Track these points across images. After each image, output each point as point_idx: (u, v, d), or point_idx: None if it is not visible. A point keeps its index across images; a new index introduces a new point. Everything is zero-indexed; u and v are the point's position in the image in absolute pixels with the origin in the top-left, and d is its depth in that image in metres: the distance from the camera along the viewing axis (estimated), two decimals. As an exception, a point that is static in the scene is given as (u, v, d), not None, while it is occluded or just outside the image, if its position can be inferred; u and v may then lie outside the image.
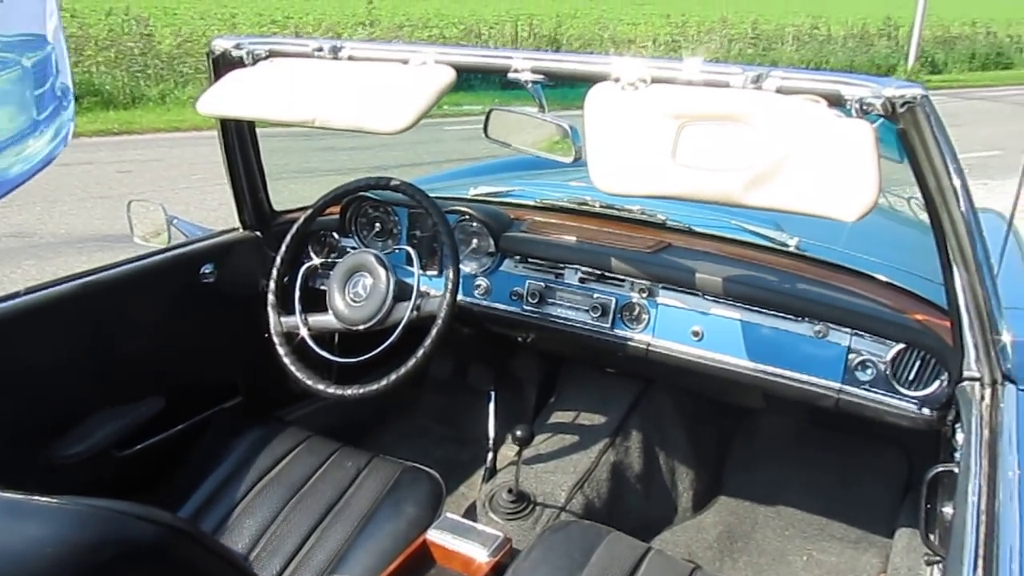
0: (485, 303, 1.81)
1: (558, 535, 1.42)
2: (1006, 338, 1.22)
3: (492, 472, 1.90)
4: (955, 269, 1.16)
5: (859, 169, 1.04)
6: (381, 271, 1.70)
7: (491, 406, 1.96)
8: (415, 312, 1.64)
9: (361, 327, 1.68)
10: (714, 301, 1.57)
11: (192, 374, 1.81)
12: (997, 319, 1.18)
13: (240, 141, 1.75)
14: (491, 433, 1.93)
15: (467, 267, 1.82)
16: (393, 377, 1.60)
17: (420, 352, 1.59)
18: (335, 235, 1.96)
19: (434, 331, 1.58)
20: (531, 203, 1.95)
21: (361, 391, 1.61)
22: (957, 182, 1.07)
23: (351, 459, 1.68)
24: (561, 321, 1.73)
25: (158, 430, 1.73)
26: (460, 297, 1.82)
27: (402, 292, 1.69)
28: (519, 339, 1.89)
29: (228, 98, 1.40)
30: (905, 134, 1.07)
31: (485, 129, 1.59)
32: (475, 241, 1.81)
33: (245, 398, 1.92)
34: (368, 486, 1.62)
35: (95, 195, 5.52)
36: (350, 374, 1.68)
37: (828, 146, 1.06)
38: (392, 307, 1.67)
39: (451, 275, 1.61)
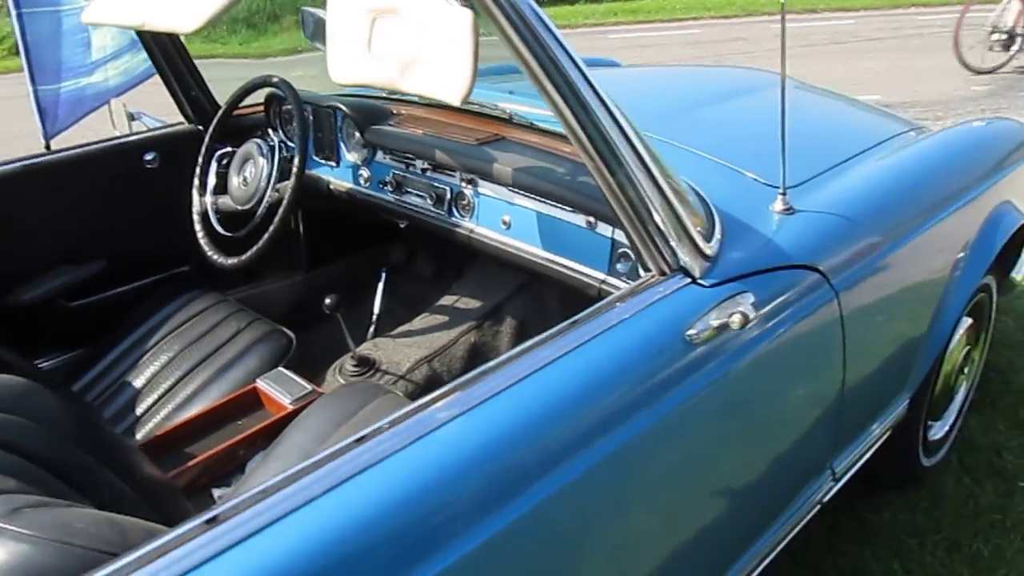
0: (366, 191, 2.00)
1: (343, 391, 1.62)
2: (693, 230, 1.22)
3: (355, 342, 2.04)
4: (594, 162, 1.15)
5: (459, 55, 1.11)
6: (260, 159, 1.94)
7: (380, 286, 2.16)
8: (276, 193, 1.89)
9: (245, 206, 1.95)
10: (517, 192, 1.64)
11: (138, 245, 2.17)
12: (654, 212, 1.17)
13: (159, 44, 2.04)
14: (375, 310, 2.14)
15: (352, 157, 2.00)
16: (253, 249, 1.86)
17: (271, 228, 1.83)
18: (269, 130, 2.22)
19: (280, 210, 1.82)
20: (408, 98, 2.06)
21: (229, 261, 1.90)
22: (557, 52, 1.07)
23: (237, 320, 1.97)
24: (413, 208, 1.88)
25: (106, 288, 2.13)
26: (350, 185, 2.03)
27: (284, 176, 1.93)
28: (400, 225, 2.07)
29: (101, 9, 1.67)
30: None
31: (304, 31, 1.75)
32: (357, 135, 1.99)
33: (192, 269, 2.27)
34: (237, 342, 1.91)
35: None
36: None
37: (442, 34, 1.13)
38: (267, 189, 1.91)
39: (297, 162, 1.82)
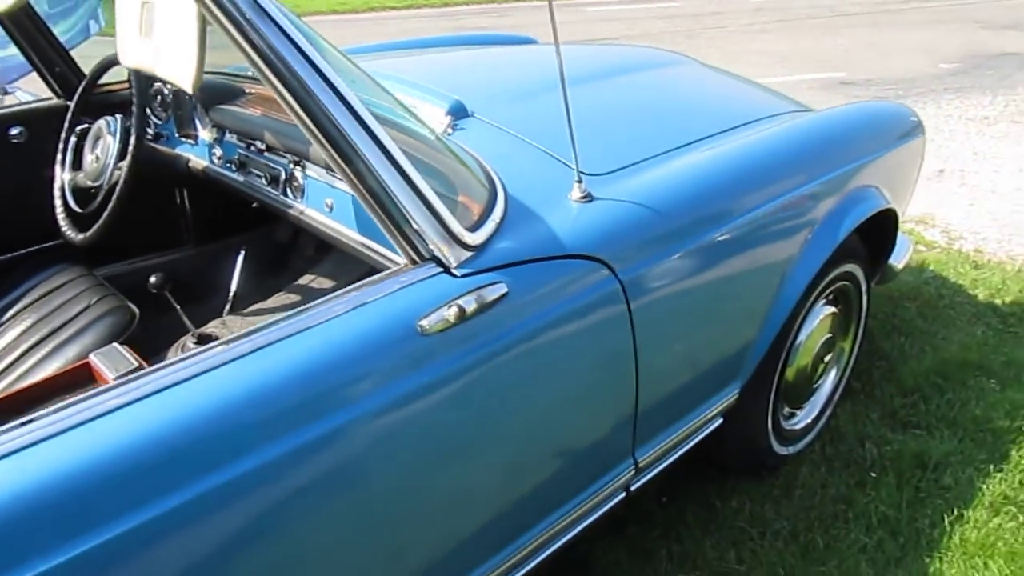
0: (218, 169, 1.99)
1: None
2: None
3: (203, 320, 2.01)
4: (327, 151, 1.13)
5: (186, 43, 1.10)
6: (108, 136, 1.93)
7: (238, 264, 2.15)
8: (117, 171, 1.88)
9: (95, 183, 1.95)
10: (335, 176, 1.63)
11: (5, 219, 2.17)
12: (398, 202, 1.16)
13: (17, 23, 2.02)
14: (232, 289, 2.14)
15: (205, 135, 1.99)
16: (95, 226, 1.86)
17: (109, 205, 1.83)
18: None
19: (117, 188, 1.82)
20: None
21: (78, 237, 1.90)
22: (275, 42, 1.05)
23: (89, 295, 1.98)
24: (256, 189, 1.87)
25: None
26: (205, 163, 2.02)
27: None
28: (252, 205, 2.06)
29: None
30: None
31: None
32: (209, 113, 1.97)
33: (64, 243, 2.27)
34: (82, 317, 1.92)
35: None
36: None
37: (176, 22, 1.12)
38: (112, 167, 1.91)
39: (133, 141, 1.81)
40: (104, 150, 1.94)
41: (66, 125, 2.04)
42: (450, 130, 1.68)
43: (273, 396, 1.02)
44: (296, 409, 1.03)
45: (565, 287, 1.31)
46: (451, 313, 1.12)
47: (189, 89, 1.14)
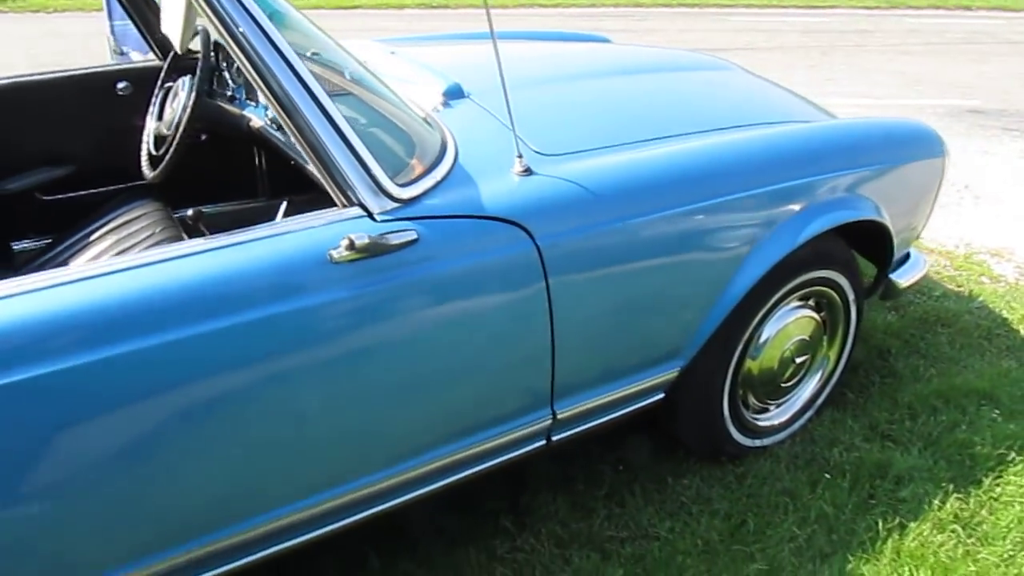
0: (269, 130, 2.32)
1: None
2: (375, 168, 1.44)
3: None
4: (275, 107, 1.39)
5: (176, 10, 1.39)
6: (181, 93, 2.30)
7: (279, 212, 2.47)
8: (182, 122, 2.25)
9: (168, 130, 2.32)
10: None
11: (106, 156, 2.61)
12: (333, 157, 1.40)
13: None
14: None
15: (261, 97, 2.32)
16: (159, 168, 2.24)
17: (169, 152, 2.19)
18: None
19: (176, 137, 2.17)
20: None
21: (149, 175, 2.29)
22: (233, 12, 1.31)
23: (154, 226, 2.37)
24: (291, 147, 2.18)
25: (76, 189, 2.59)
26: (261, 124, 2.36)
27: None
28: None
29: None
30: None
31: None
32: None
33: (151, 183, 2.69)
34: (145, 241, 2.30)
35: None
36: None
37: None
38: (181, 120, 2.28)
39: (194, 97, 2.16)
40: (177, 104, 2.32)
41: (158, 82, 2.44)
42: (440, 107, 1.91)
43: (212, 286, 1.29)
44: (220, 299, 1.30)
45: (479, 243, 1.52)
46: (344, 243, 1.35)
47: (178, 49, 1.43)
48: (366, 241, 1.38)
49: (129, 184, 2.68)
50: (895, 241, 2.23)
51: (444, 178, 1.57)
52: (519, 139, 1.73)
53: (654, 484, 2.11)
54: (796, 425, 2.29)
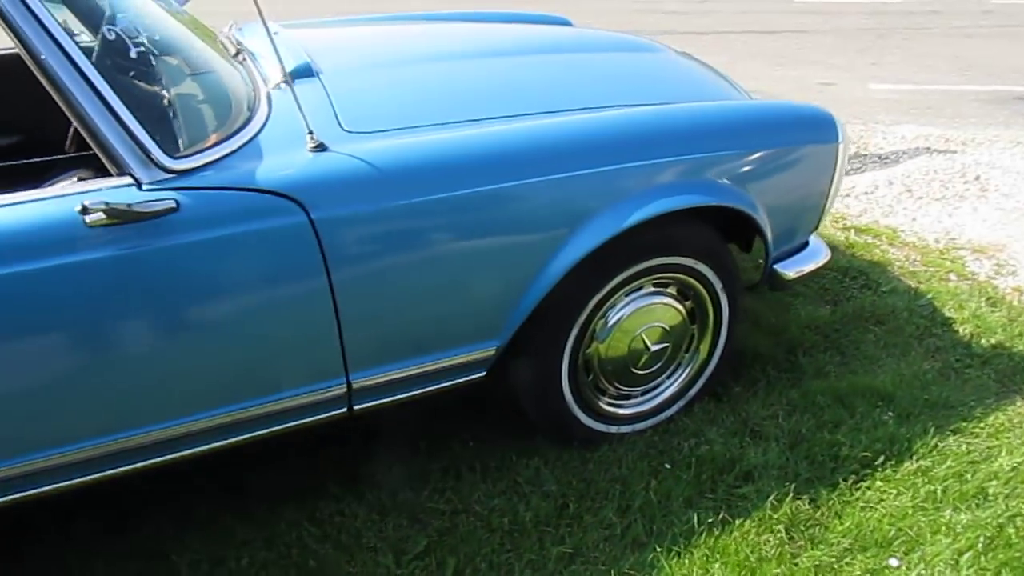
0: None
1: None
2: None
3: None
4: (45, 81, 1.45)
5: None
6: None
7: None
8: None
9: None
10: None
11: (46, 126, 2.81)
12: (98, 129, 1.48)
13: None
14: None
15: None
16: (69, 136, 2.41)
17: None
18: None
19: None
20: None
21: (67, 143, 2.48)
22: None
23: None
24: None
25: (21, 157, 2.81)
26: None
27: None
28: None
29: None
30: None
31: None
32: None
33: None
34: None
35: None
36: None
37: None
38: None
39: None
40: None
41: None
42: (283, 85, 1.97)
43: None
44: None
45: (245, 215, 1.58)
46: (98, 208, 1.44)
47: None
48: (120, 207, 1.46)
49: (74, 154, 2.89)
50: (771, 229, 2.15)
51: (234, 151, 1.64)
52: (336, 114, 1.80)
53: (496, 461, 2.13)
54: (663, 415, 2.25)
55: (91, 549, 1.87)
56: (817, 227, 2.37)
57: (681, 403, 2.28)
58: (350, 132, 1.77)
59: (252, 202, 1.59)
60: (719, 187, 2.01)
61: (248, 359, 1.70)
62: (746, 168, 2.07)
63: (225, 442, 1.76)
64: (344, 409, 1.83)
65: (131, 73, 1.63)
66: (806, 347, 2.60)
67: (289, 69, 2.01)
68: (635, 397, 2.22)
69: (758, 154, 2.08)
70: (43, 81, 1.47)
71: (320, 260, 1.64)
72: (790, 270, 2.27)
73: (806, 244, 2.37)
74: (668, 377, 2.25)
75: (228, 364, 1.68)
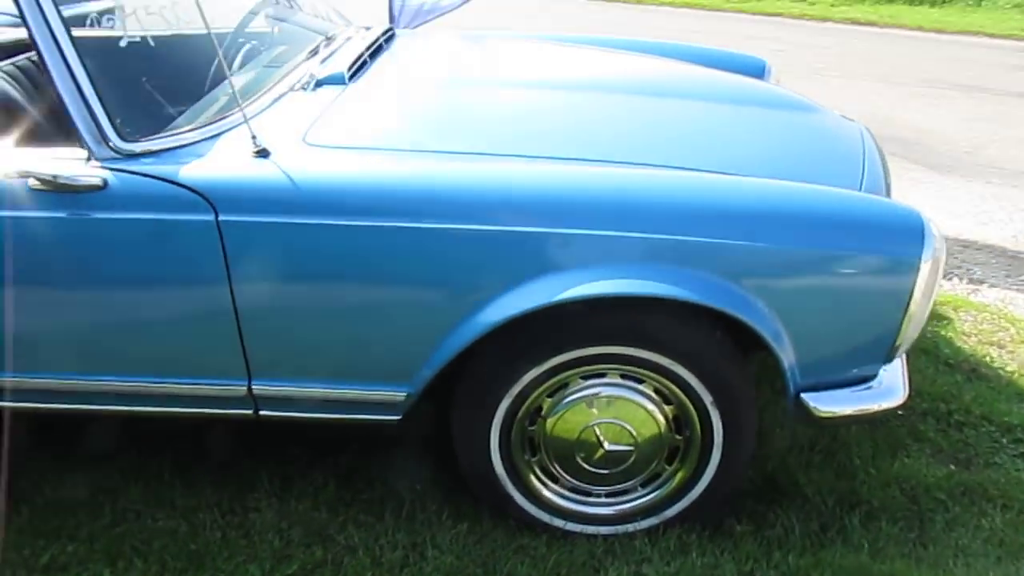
0: None
1: None
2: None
3: None
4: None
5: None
6: None
7: None
8: None
9: None
10: None
11: None
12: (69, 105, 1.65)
13: None
14: None
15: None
16: None
17: None
18: None
19: None
20: None
21: None
22: None
23: None
24: None
25: None
26: None
27: None
28: None
29: None
30: None
31: None
32: None
33: None
34: None
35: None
36: None
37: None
38: None
39: None
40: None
41: None
42: (305, 86, 2.03)
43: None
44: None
45: (161, 205, 1.65)
46: (42, 174, 1.63)
47: None
48: (46, 177, 1.63)
49: None
50: (800, 353, 1.70)
51: (185, 145, 1.73)
52: (312, 125, 1.83)
53: (424, 512, 1.98)
54: (622, 527, 1.91)
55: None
56: (889, 360, 1.81)
57: (651, 521, 1.91)
58: (309, 144, 1.76)
59: (169, 193, 1.66)
60: (709, 283, 1.64)
61: (151, 338, 1.78)
62: (763, 268, 1.66)
63: (128, 409, 1.87)
64: (251, 412, 1.85)
65: (113, 57, 1.79)
66: (876, 505, 2.02)
67: (325, 75, 2.07)
68: (596, 496, 1.92)
69: (787, 254, 1.66)
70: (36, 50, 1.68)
71: (222, 262, 1.67)
72: (824, 406, 1.77)
73: (872, 376, 1.83)
74: (643, 485, 1.91)
75: (131, 339, 1.79)
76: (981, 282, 3.35)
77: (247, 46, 2.42)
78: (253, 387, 1.80)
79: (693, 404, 1.78)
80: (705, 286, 1.64)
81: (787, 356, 1.71)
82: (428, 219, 1.64)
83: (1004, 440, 2.28)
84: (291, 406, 1.83)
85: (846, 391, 1.80)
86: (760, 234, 1.65)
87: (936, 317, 2.95)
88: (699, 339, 1.73)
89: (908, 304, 1.69)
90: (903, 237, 1.68)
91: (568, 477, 1.90)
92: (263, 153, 1.71)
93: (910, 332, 1.75)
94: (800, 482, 2.08)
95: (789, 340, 1.70)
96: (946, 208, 4.01)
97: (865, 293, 1.71)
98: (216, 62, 1.92)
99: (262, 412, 1.85)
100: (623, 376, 1.79)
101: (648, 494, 1.91)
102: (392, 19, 4.02)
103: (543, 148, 1.84)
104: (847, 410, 1.79)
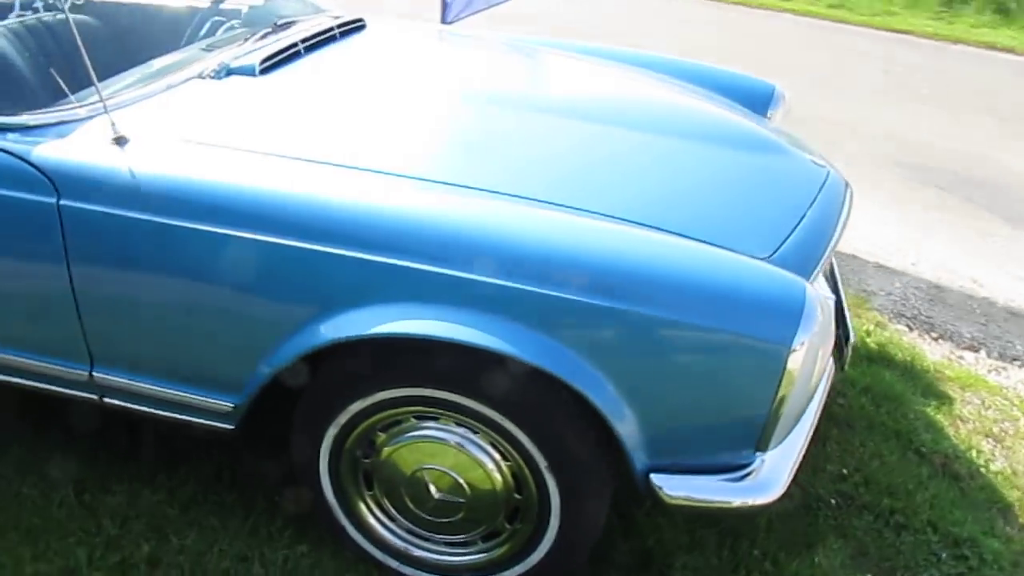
0: None
1: None
2: None
3: None
4: None
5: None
6: None
7: None
8: None
9: None
10: None
11: None
12: None
13: None
14: None
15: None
16: None
17: None
18: None
19: None
20: None
21: None
22: None
23: None
24: None
25: None
26: None
27: None
28: None
29: None
30: None
31: None
32: None
33: None
34: None
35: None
36: None
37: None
38: None
39: None
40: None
41: None
42: (214, 74, 1.97)
43: None
44: None
45: (8, 181, 1.64)
46: None
47: None
48: None
49: None
50: (643, 427, 1.51)
51: (51, 124, 1.72)
52: (197, 118, 1.78)
53: (269, 527, 1.91)
54: (457, 581, 1.78)
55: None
56: (763, 449, 1.58)
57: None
58: (177, 137, 1.73)
59: (18, 171, 1.65)
60: (530, 336, 1.46)
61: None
62: (601, 329, 1.47)
63: None
64: (96, 398, 1.83)
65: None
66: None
67: (236, 65, 2.02)
68: (433, 543, 1.79)
69: (633, 317, 1.45)
70: None
71: (61, 245, 1.64)
72: (675, 491, 1.56)
73: (746, 464, 1.60)
74: (484, 540, 1.76)
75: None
76: (1014, 359, 2.93)
77: (209, 23, 2.40)
78: (95, 374, 1.78)
79: (527, 465, 1.62)
80: (525, 338, 1.47)
81: (627, 429, 1.51)
82: (254, 230, 1.55)
83: (943, 554, 1.97)
84: (133, 399, 1.80)
85: (709, 478, 1.59)
86: (603, 292, 1.46)
87: (934, 395, 2.61)
88: (531, 395, 1.56)
89: (777, 388, 1.46)
90: (775, 315, 1.45)
91: (401, 518, 1.78)
92: (120, 141, 1.67)
93: (784, 419, 1.52)
94: (676, 565, 1.87)
95: (633, 413, 1.51)
96: (1008, 269, 3.55)
97: (727, 372, 1.49)
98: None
99: (107, 400, 1.83)
100: (458, 424, 1.64)
101: (486, 551, 1.76)
102: (444, 10, 3.95)
103: (393, 165, 1.69)
104: (701, 500, 1.57)
